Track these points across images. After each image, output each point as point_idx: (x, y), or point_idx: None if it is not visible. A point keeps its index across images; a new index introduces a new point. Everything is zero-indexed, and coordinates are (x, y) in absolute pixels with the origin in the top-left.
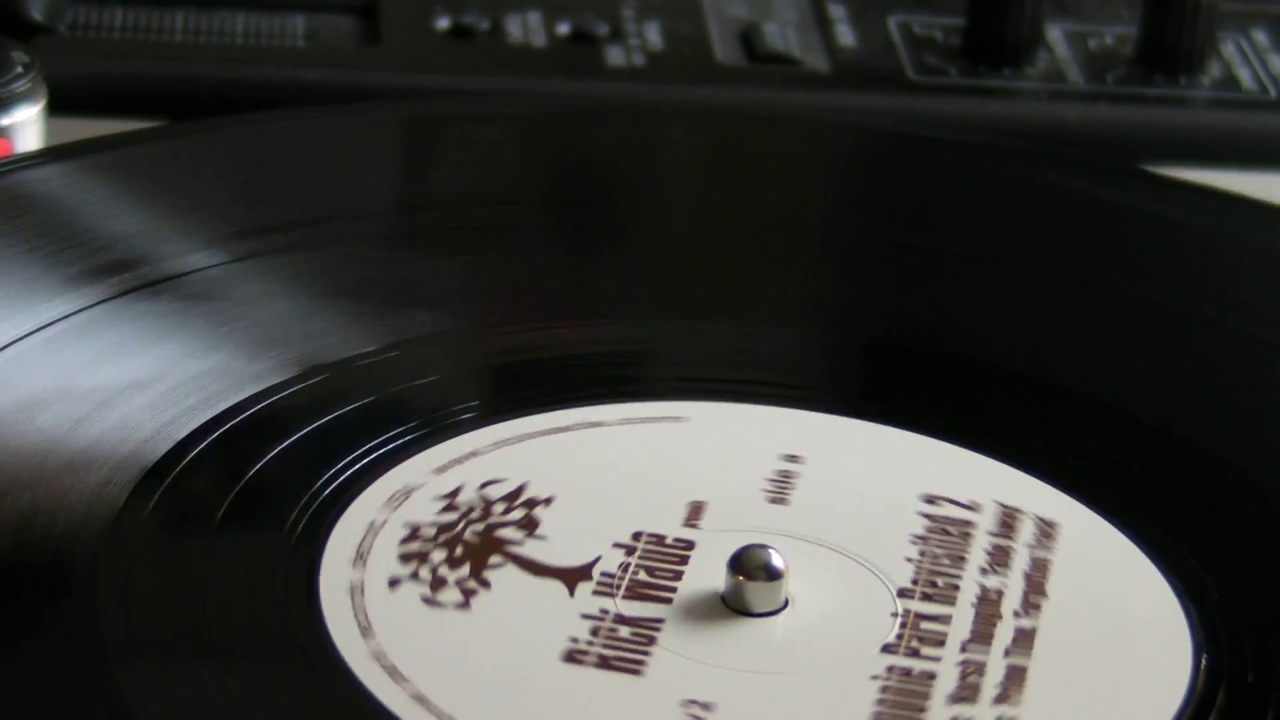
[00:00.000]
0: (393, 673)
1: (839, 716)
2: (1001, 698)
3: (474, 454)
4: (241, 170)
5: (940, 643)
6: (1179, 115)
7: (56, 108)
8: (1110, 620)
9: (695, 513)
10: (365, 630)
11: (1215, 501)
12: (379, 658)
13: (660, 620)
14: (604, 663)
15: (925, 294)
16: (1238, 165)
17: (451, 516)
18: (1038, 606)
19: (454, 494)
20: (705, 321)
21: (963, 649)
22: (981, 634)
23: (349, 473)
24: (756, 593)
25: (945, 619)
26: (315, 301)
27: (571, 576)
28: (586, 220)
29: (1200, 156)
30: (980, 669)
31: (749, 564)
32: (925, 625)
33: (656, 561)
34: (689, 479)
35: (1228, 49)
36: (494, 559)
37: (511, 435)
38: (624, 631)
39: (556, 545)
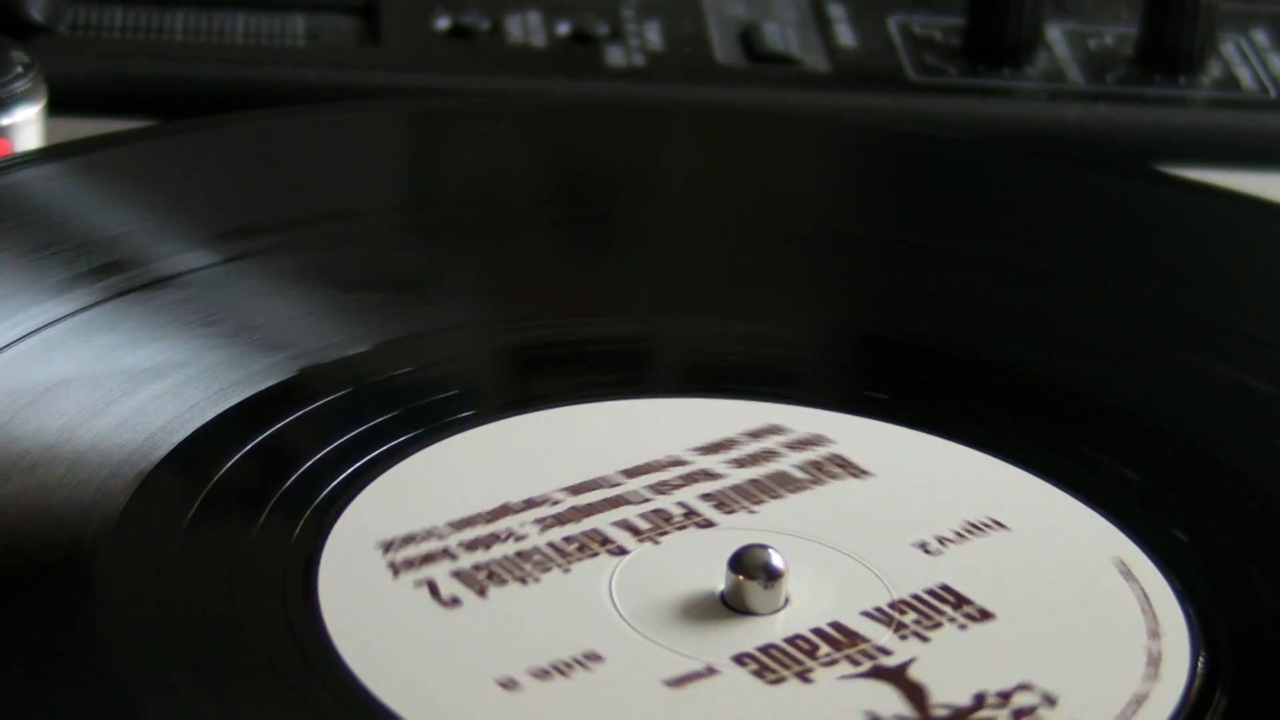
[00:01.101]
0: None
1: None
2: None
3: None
4: (240, 170)
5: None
6: (1179, 115)
7: (56, 108)
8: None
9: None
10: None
11: (1215, 501)
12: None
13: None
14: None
15: (925, 294)
16: (1238, 165)
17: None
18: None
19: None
20: (705, 321)
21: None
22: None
23: (349, 472)
24: (756, 593)
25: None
26: (314, 301)
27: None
28: (587, 219)
29: (1200, 156)
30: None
31: (749, 564)
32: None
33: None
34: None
35: (1228, 49)
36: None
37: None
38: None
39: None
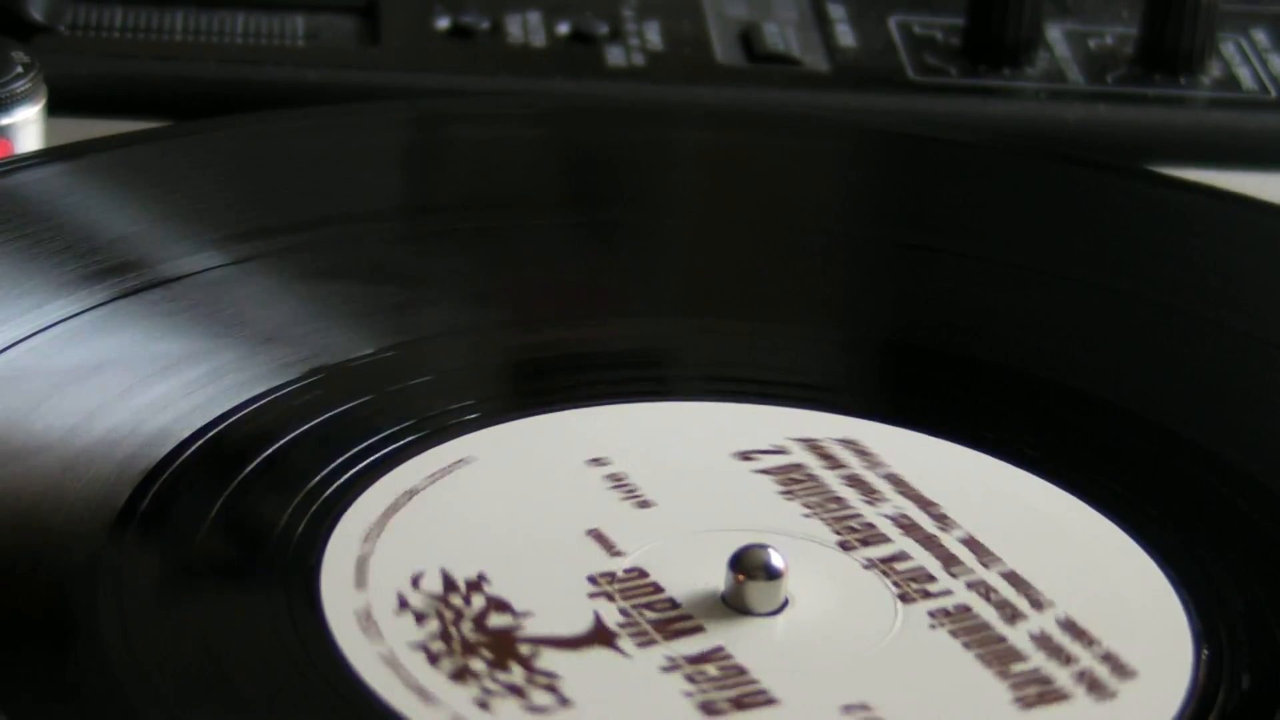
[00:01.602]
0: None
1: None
2: (1036, 603)
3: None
4: (242, 170)
5: (932, 577)
6: (1179, 115)
7: (56, 108)
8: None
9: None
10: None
11: (1215, 501)
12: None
13: (720, 646)
14: (738, 704)
15: (925, 294)
16: (1238, 165)
17: (433, 626)
18: (945, 517)
19: (404, 604)
20: (705, 320)
21: (953, 576)
22: (947, 558)
23: (349, 473)
24: (756, 593)
25: (903, 556)
26: (315, 302)
27: (601, 638)
28: (587, 220)
29: (1200, 156)
30: (987, 589)
31: (749, 564)
32: (900, 566)
33: (640, 598)
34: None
35: (1228, 49)
36: (522, 649)
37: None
38: (711, 670)
39: (547, 616)
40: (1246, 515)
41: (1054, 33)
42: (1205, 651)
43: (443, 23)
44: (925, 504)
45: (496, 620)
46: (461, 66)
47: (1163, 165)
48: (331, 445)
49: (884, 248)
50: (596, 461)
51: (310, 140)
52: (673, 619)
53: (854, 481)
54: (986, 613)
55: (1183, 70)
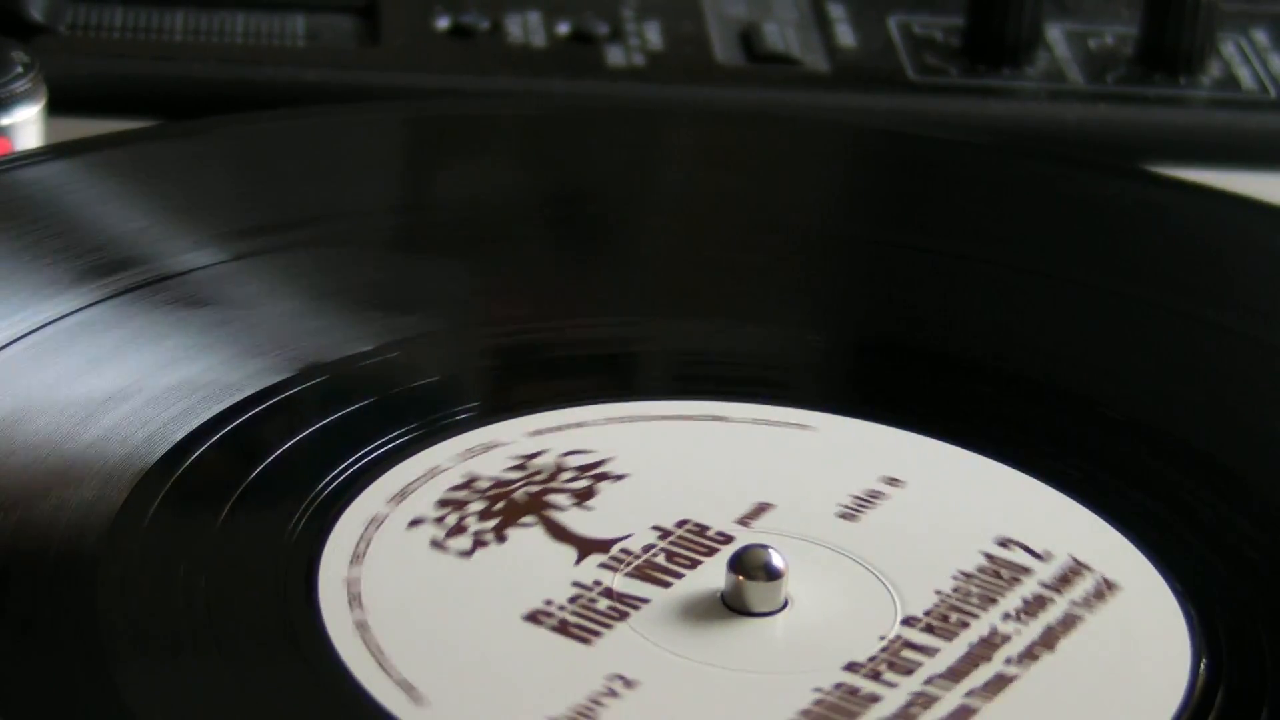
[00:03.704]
0: (355, 600)
1: (756, 716)
2: None
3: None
4: (241, 170)
5: (909, 671)
6: (1179, 115)
7: (56, 108)
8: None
9: (756, 512)
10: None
11: (1215, 502)
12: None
13: (644, 601)
14: (561, 627)
15: (925, 294)
16: (1238, 165)
17: (516, 475)
18: (1035, 658)
19: (533, 455)
20: (706, 321)
21: (927, 681)
22: (957, 672)
23: (349, 472)
24: (756, 593)
25: (931, 651)
26: (315, 301)
27: (588, 546)
28: (585, 220)
29: (1200, 156)
30: (929, 702)
31: (749, 564)
32: (905, 653)
33: (683, 548)
34: (773, 482)
35: (1228, 49)
36: (527, 519)
37: (619, 415)
38: (602, 604)
39: (598, 517)
40: (1246, 518)
41: (1054, 33)
42: (1204, 660)
43: (443, 23)
44: (1048, 641)
45: (557, 497)
46: (461, 66)
47: (1163, 165)
48: (331, 445)
49: (882, 248)
50: (890, 480)
51: (310, 140)
52: (659, 570)
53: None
54: (877, 711)
55: (1183, 70)
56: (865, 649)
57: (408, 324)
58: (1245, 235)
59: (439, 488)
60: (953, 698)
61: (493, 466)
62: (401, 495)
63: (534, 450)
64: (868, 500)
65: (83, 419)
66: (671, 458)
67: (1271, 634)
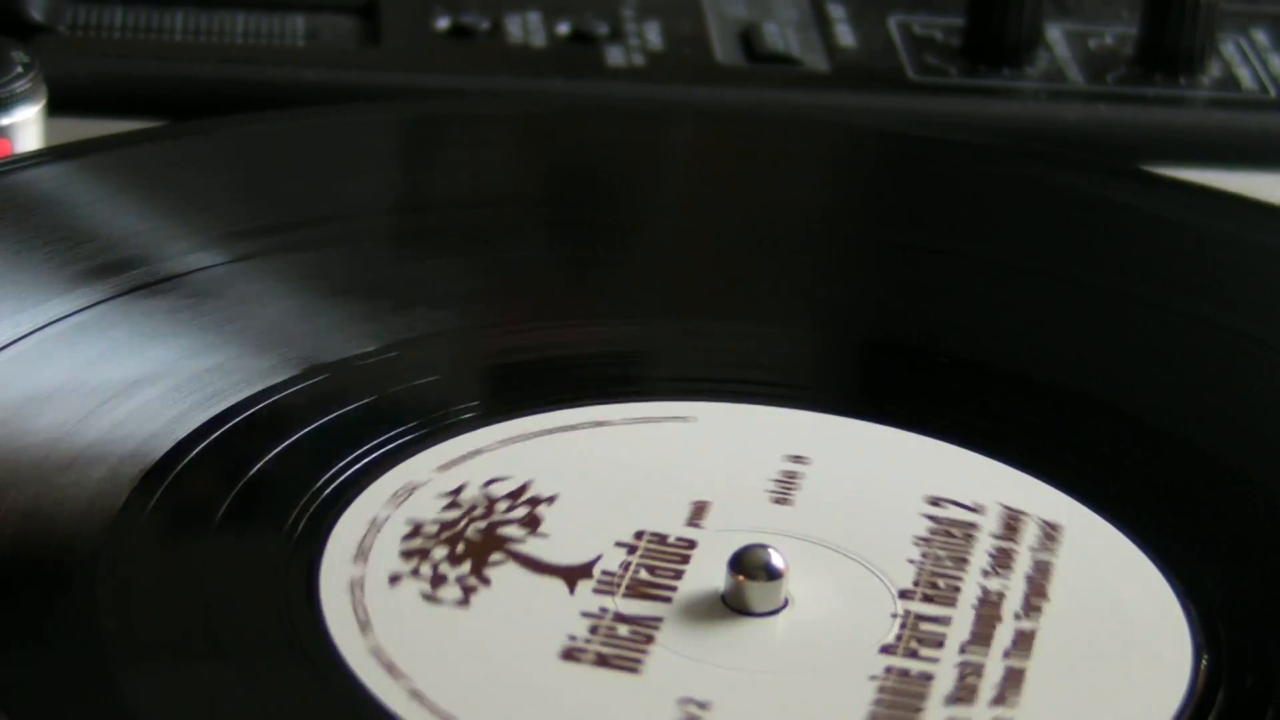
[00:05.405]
0: (391, 669)
1: (836, 716)
2: (998, 699)
3: (477, 452)
4: (242, 170)
5: (939, 644)
6: (1179, 115)
7: (56, 108)
8: (1110, 620)
9: (699, 512)
10: (364, 626)
11: (1215, 501)
12: (377, 653)
13: (659, 619)
14: (602, 660)
15: (925, 294)
16: (1238, 165)
17: (454, 514)
18: (1038, 609)
19: (457, 491)
20: (706, 321)
21: (962, 650)
22: (981, 635)
23: (349, 472)
24: (756, 592)
25: (945, 620)
26: (315, 301)
27: (572, 574)
28: (586, 220)
29: (1200, 156)
30: (979, 670)
31: (749, 564)
32: (925, 626)
33: (658, 560)
34: (693, 478)
35: (1228, 49)
36: (495, 556)
37: (516, 434)
38: (623, 630)
39: (558, 543)
40: (1246, 517)
41: (1054, 33)
42: (1205, 658)
43: (443, 23)
44: (1038, 590)
45: (508, 529)
46: (461, 66)
47: (1163, 165)
48: (331, 445)
49: (883, 248)
50: (794, 459)
51: (310, 140)
52: (651, 586)
53: (997, 554)
54: (938, 688)
55: (1183, 70)
56: (887, 630)
57: (408, 324)
58: (1245, 235)
59: (391, 540)
60: (995, 663)
61: (427, 509)
62: (359, 554)
63: (454, 485)
64: (788, 481)
65: (83, 419)
66: (584, 470)
67: (1273, 631)
